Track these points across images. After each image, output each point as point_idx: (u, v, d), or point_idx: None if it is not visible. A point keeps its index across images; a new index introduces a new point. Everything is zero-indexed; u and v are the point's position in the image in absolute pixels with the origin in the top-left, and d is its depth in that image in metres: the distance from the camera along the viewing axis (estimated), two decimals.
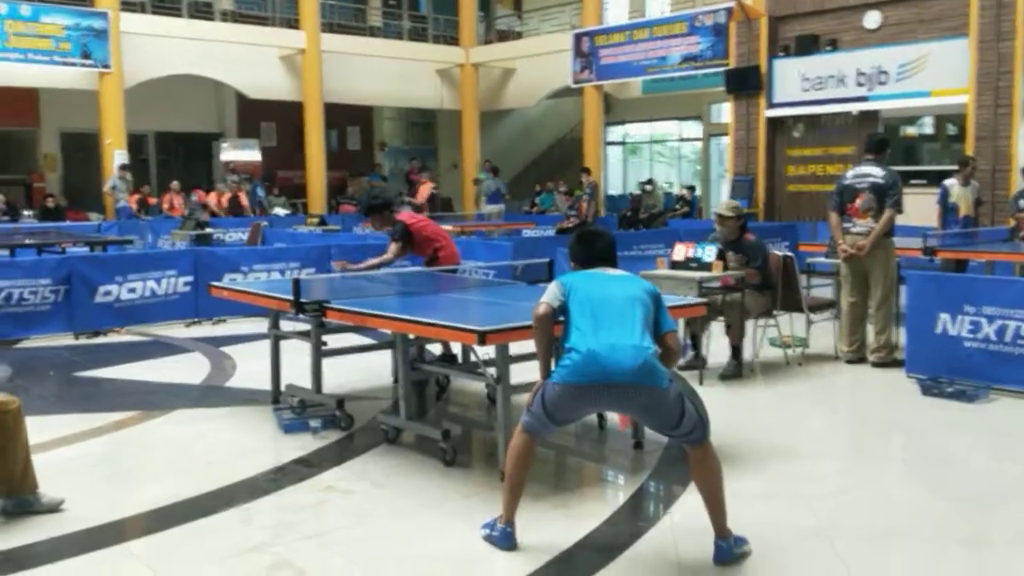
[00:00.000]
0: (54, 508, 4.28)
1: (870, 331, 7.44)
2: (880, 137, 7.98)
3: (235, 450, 5.33)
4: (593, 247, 4.06)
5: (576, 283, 3.85)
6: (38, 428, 4.94)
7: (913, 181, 14.32)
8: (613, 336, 3.64)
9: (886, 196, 7.22)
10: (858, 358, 7.46)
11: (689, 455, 3.81)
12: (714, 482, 3.75)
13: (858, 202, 7.34)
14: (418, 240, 7.15)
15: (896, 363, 7.17)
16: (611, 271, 3.97)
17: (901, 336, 7.34)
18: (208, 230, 14.32)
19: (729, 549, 3.71)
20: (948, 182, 11.08)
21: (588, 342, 3.64)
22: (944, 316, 6.56)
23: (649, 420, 3.85)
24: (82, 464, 5.11)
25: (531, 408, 3.82)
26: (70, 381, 7.22)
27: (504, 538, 3.84)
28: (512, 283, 7.08)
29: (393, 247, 7.06)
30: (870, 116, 15.63)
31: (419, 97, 23.58)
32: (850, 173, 7.61)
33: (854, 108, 15.64)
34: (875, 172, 7.34)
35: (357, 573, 3.65)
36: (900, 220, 7.55)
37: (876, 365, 7.29)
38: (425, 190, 17.36)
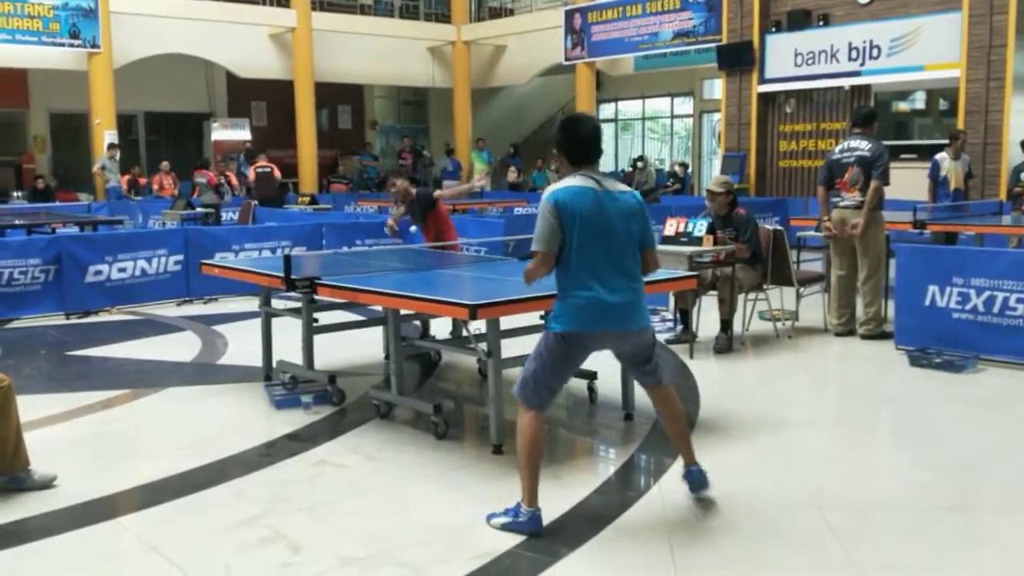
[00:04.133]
0: (46, 485, 4.30)
1: (859, 304, 7.48)
2: (868, 110, 8.01)
3: (227, 426, 5.35)
4: (578, 134, 3.77)
5: (574, 213, 3.63)
6: (30, 406, 4.96)
7: (904, 156, 14.35)
8: (615, 280, 3.67)
9: (872, 168, 7.23)
10: (847, 331, 7.49)
11: (653, 393, 4.00)
12: (680, 416, 4.03)
13: (846, 176, 7.36)
14: (435, 219, 7.54)
15: (884, 335, 7.21)
16: (607, 186, 3.75)
17: (890, 309, 7.37)
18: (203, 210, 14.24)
19: (701, 472, 4.01)
20: (939, 156, 11.11)
21: (592, 286, 3.64)
22: (933, 288, 6.59)
23: (629, 355, 3.94)
24: (74, 442, 5.12)
25: (537, 373, 3.74)
26: (61, 360, 7.21)
27: (534, 522, 3.69)
28: (503, 259, 7.09)
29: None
30: (862, 91, 15.61)
31: (410, 75, 23.46)
32: (838, 148, 7.63)
33: (846, 83, 15.60)
34: (862, 145, 7.35)
35: (351, 545, 3.67)
36: (891, 193, 7.57)
37: (865, 338, 7.33)
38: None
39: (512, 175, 21.61)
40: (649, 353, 3.85)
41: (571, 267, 3.67)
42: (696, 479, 4.01)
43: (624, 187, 3.86)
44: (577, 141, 3.78)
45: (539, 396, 3.80)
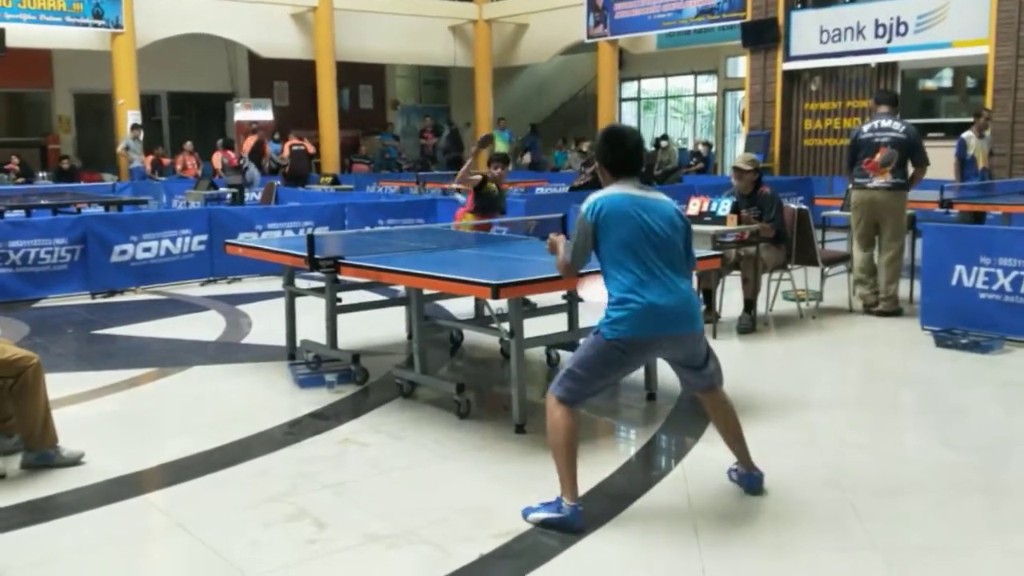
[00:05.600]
0: (75, 461, 4.35)
1: (881, 282, 7.43)
2: (895, 93, 8.00)
3: (251, 405, 5.39)
4: (623, 148, 3.77)
5: (611, 218, 3.62)
6: (57, 384, 5.00)
7: (931, 134, 14.15)
8: (667, 282, 3.59)
9: (913, 154, 7.24)
10: (874, 302, 7.46)
11: (706, 398, 3.89)
12: (735, 419, 3.91)
13: (877, 156, 7.27)
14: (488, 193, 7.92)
15: (899, 314, 7.29)
16: (644, 194, 3.73)
17: (915, 288, 7.31)
18: (224, 189, 14.27)
19: (760, 479, 3.93)
20: (965, 135, 10.99)
21: (645, 291, 3.56)
22: (959, 268, 6.53)
23: (683, 360, 3.81)
24: (101, 419, 5.19)
25: (576, 372, 3.65)
26: (88, 339, 7.29)
27: (577, 517, 3.58)
28: (526, 239, 7.08)
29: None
30: (889, 68, 15.40)
31: (432, 54, 23.39)
32: (866, 127, 7.53)
33: (873, 60, 15.40)
34: (895, 127, 7.28)
35: (375, 522, 3.70)
36: None
37: (882, 313, 7.35)
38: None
39: (527, 159, 21.51)
40: (704, 356, 3.77)
41: (622, 273, 3.60)
42: (755, 484, 3.92)
43: (661, 195, 3.80)
44: (621, 155, 3.77)
45: (577, 395, 3.70)
